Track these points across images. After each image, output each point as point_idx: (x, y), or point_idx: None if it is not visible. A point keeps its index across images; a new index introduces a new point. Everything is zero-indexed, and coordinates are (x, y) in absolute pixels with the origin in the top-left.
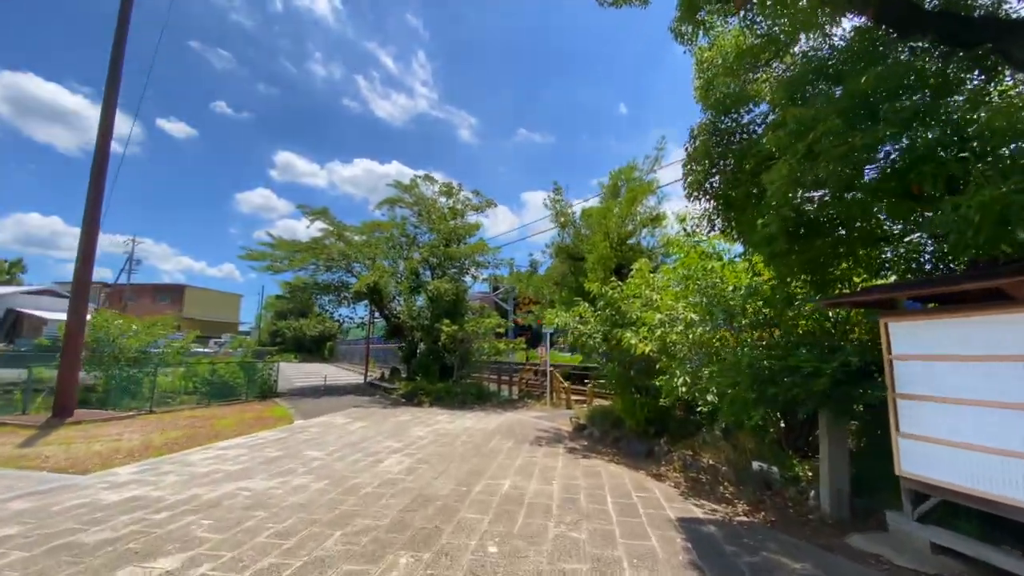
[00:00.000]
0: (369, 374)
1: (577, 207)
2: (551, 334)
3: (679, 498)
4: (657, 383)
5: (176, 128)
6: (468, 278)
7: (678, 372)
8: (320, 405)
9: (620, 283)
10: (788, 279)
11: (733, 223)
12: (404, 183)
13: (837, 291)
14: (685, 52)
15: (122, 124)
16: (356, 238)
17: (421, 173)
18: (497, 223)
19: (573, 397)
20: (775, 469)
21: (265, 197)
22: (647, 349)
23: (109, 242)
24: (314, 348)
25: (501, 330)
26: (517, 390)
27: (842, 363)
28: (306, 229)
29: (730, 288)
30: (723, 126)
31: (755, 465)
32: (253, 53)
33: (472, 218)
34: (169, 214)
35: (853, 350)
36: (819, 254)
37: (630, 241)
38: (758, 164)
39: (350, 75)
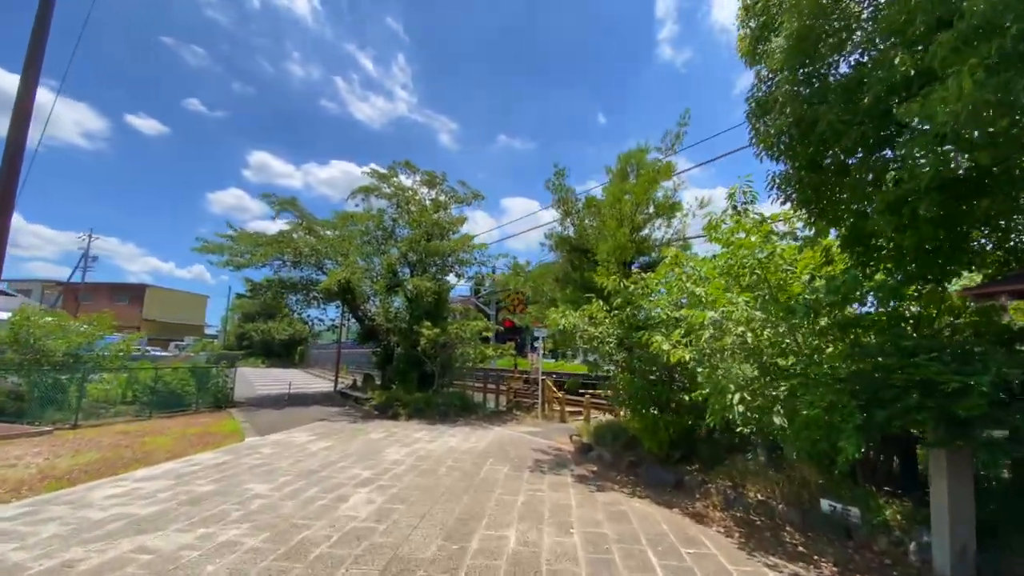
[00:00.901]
0: (341, 381)
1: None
2: (541, 337)
3: (740, 553)
4: (692, 398)
5: (147, 125)
6: (452, 277)
7: (732, 387)
8: (281, 417)
9: (643, 275)
10: (886, 266)
11: (821, 191)
12: (381, 171)
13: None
14: None
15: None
16: (328, 233)
17: (401, 160)
18: (476, 228)
19: (568, 409)
20: (854, 511)
21: (238, 197)
22: (685, 356)
23: (68, 240)
24: (284, 352)
25: (488, 334)
26: (505, 400)
27: (997, 377)
28: (272, 221)
29: (804, 278)
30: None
31: (824, 504)
32: (229, 51)
33: (457, 211)
34: (137, 213)
35: (1001, 360)
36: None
37: (643, 232)
38: (881, 98)
39: (328, 76)
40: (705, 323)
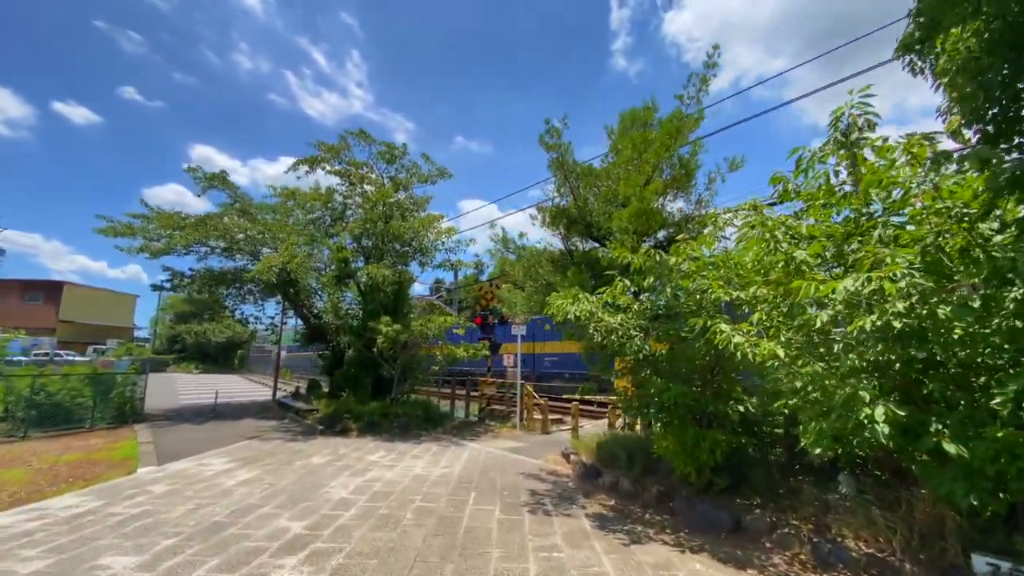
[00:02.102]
0: (282, 389)
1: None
2: (519, 335)
3: None
4: (752, 409)
5: (76, 113)
6: (415, 266)
7: (866, 395)
8: (198, 436)
9: (690, 239)
10: None
11: None
12: (328, 144)
13: None
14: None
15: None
16: (268, 217)
17: (354, 129)
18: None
19: (551, 416)
20: None
21: (178, 193)
22: (779, 353)
23: None
24: (221, 357)
25: (459, 331)
26: (477, 408)
27: None
28: (197, 198)
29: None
30: None
31: (980, 563)
32: (169, 39)
33: (420, 192)
34: (64, 208)
35: None
36: None
37: (657, 203)
38: None
39: (278, 70)
40: (833, 297)
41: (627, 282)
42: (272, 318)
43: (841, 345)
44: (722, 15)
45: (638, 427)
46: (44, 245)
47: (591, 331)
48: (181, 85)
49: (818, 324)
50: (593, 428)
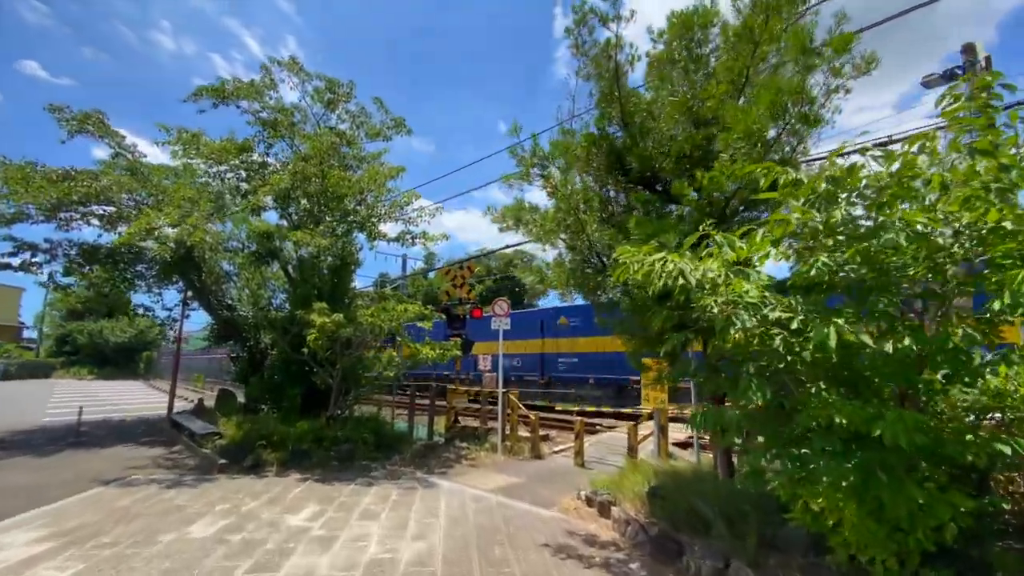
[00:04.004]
0: (186, 399)
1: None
2: (501, 330)
3: None
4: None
5: None
6: (362, 236)
7: None
8: (23, 480)
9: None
10: None
11: None
12: (244, 82)
13: None
14: None
15: None
16: (167, 182)
17: (284, 57)
18: None
19: (540, 432)
20: None
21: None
22: None
23: None
24: (123, 360)
25: (427, 324)
26: (444, 425)
27: None
28: (62, 144)
29: None
30: None
31: None
32: (78, 11)
33: (371, 148)
34: None
35: None
36: None
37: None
38: None
39: (204, 52)
40: None
41: (794, 217)
42: (170, 310)
43: None
44: None
45: (687, 454)
46: None
47: (713, 309)
48: (91, 62)
49: None
50: (594, 450)
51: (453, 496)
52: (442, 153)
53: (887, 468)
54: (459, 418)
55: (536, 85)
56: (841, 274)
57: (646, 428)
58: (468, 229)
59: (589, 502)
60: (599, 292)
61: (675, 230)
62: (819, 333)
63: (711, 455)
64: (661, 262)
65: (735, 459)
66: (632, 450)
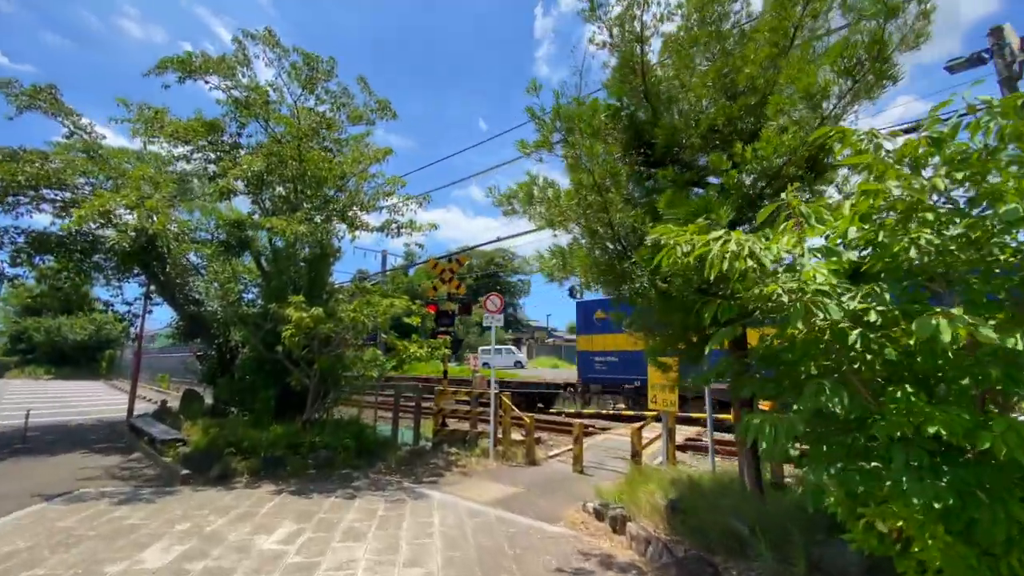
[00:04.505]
0: (150, 401)
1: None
2: (492, 327)
3: None
4: None
5: None
6: (342, 227)
7: None
8: None
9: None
10: None
11: None
12: (214, 57)
13: None
14: None
15: None
16: (128, 166)
17: (258, 29)
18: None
19: (536, 435)
20: None
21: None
22: None
23: None
24: (84, 359)
25: (414, 320)
26: (431, 428)
27: None
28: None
29: None
30: None
31: None
32: None
33: (355, 131)
34: None
35: None
36: None
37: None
38: None
39: (174, 40)
40: None
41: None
42: (131, 305)
43: None
44: None
45: (687, 457)
46: None
47: (803, 304)
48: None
49: None
50: (592, 455)
51: (447, 510)
52: (425, 151)
53: (984, 486)
54: (446, 420)
55: (518, 81)
56: (938, 258)
57: (649, 431)
58: (450, 226)
59: (599, 515)
60: (623, 283)
61: (730, 205)
62: (925, 327)
63: (721, 461)
64: (720, 241)
65: (765, 470)
66: (636, 455)
